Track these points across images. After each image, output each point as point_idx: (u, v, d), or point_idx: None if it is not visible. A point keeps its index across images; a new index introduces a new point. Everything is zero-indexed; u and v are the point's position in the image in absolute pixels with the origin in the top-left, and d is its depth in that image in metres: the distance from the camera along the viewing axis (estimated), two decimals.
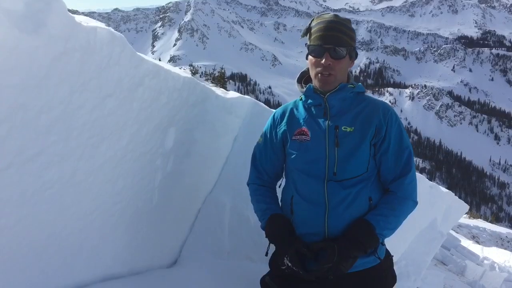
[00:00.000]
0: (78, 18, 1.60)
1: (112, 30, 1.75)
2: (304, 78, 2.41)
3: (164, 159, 2.49)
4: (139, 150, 2.20)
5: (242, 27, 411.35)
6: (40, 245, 1.81)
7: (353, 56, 2.26)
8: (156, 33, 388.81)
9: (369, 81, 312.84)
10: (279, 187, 2.48)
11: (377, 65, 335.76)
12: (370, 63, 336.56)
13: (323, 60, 2.13)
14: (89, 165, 1.88)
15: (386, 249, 2.32)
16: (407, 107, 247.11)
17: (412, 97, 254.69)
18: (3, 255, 1.64)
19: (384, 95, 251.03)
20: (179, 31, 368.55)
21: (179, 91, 2.37)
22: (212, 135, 2.95)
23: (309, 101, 2.24)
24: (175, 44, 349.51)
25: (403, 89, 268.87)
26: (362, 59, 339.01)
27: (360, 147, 2.13)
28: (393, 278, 2.33)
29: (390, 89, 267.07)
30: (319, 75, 2.18)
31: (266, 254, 2.35)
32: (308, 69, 2.40)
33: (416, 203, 2.19)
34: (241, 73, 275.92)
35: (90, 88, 1.70)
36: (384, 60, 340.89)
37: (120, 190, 2.18)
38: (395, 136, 2.19)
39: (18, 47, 1.33)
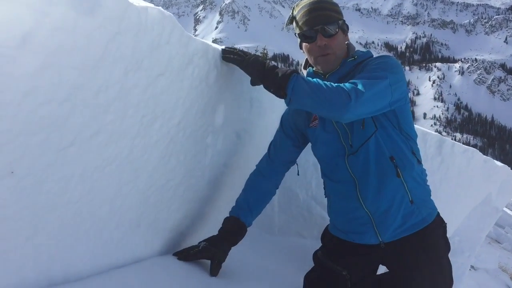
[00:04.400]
0: None
1: (162, 9, 1.78)
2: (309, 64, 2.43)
3: (214, 136, 2.53)
4: (190, 128, 2.25)
5: (283, 6, 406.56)
6: (101, 220, 1.89)
7: (345, 29, 2.24)
8: (197, 17, 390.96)
9: (416, 57, 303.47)
10: (298, 174, 2.69)
11: (424, 40, 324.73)
12: (416, 38, 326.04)
13: (318, 42, 2.13)
14: (144, 143, 1.94)
15: (438, 215, 2.32)
16: (457, 82, 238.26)
17: (461, 72, 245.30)
18: (68, 229, 1.73)
19: (431, 71, 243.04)
20: (220, 13, 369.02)
21: (228, 68, 2.39)
22: (259, 112, 2.96)
23: None
24: (216, 27, 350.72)
25: (452, 64, 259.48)
26: (408, 34, 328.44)
27: None
28: (446, 244, 2.31)
29: (438, 64, 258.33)
30: (318, 58, 2.18)
31: None
32: None
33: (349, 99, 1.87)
34: (283, 53, 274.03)
35: (143, 67, 1.75)
36: (431, 34, 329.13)
37: (174, 167, 2.24)
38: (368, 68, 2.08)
39: (76, 29, 1.38)
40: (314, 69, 2.30)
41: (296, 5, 2.25)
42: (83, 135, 1.57)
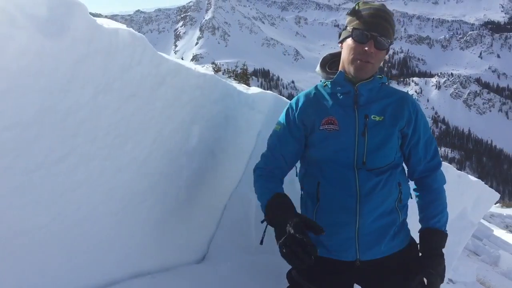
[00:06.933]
0: (100, 20, 1.63)
1: (133, 31, 1.77)
2: (327, 64, 2.38)
3: (189, 157, 2.52)
4: (163, 148, 2.23)
5: (263, 22, 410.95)
6: (71, 244, 1.86)
7: (388, 50, 2.23)
8: (178, 33, 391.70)
9: (394, 72, 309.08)
10: (296, 176, 2.43)
11: (401, 55, 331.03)
12: (394, 53, 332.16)
13: (367, 47, 2.08)
14: (116, 165, 1.92)
15: (411, 236, 2.34)
16: (434, 96, 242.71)
17: (438, 86, 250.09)
18: (36, 254, 1.69)
19: (409, 85, 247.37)
20: (200, 29, 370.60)
21: (201, 88, 2.39)
22: (235, 131, 2.96)
23: (338, 88, 2.20)
24: (197, 43, 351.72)
25: (429, 78, 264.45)
26: None
27: (390, 136, 2.14)
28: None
29: (415, 78, 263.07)
30: (358, 61, 2.12)
31: (261, 243, 2.17)
32: (330, 55, 2.39)
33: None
34: (263, 68, 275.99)
35: (114, 89, 1.74)
36: (408, 50, 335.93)
37: (147, 188, 2.22)
38: (424, 129, 2.22)
39: (42, 51, 1.36)
40: (344, 73, 2.20)
41: (363, 2, 2.21)
42: (51, 158, 1.55)
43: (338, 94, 2.21)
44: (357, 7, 2.18)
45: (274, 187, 2.18)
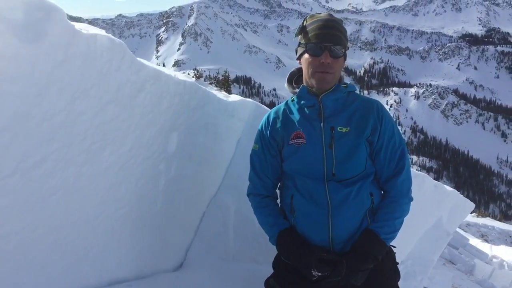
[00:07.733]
0: (78, 25, 1.62)
1: (112, 37, 1.77)
2: (294, 79, 2.41)
3: (167, 163, 2.51)
4: (142, 155, 2.22)
5: (246, 30, 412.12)
6: (46, 250, 1.83)
7: (346, 56, 2.26)
8: (160, 38, 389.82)
9: (374, 81, 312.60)
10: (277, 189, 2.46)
11: (382, 65, 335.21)
12: (374, 63, 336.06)
13: (323, 59, 2.11)
14: (93, 171, 1.90)
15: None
16: (413, 106, 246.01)
17: (417, 96, 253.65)
18: (10, 260, 1.66)
19: (389, 95, 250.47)
20: (182, 35, 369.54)
21: (180, 95, 2.39)
22: (214, 138, 2.97)
23: (302, 102, 2.23)
24: (179, 49, 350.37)
25: (408, 89, 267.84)
26: (366, 59, 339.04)
27: (358, 147, 2.14)
28: (396, 273, 2.33)
29: (395, 88, 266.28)
30: (317, 73, 2.15)
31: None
32: (297, 69, 2.41)
33: (410, 199, 2.23)
34: (245, 76, 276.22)
35: (92, 94, 1.73)
36: (388, 60, 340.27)
37: (124, 194, 2.20)
38: (388, 136, 2.20)
39: (18, 56, 1.35)
40: (306, 86, 2.24)
41: (310, 17, 2.25)
42: (26, 164, 1.52)
43: (305, 108, 2.23)
44: (305, 23, 2.22)
45: (273, 221, 2.29)
